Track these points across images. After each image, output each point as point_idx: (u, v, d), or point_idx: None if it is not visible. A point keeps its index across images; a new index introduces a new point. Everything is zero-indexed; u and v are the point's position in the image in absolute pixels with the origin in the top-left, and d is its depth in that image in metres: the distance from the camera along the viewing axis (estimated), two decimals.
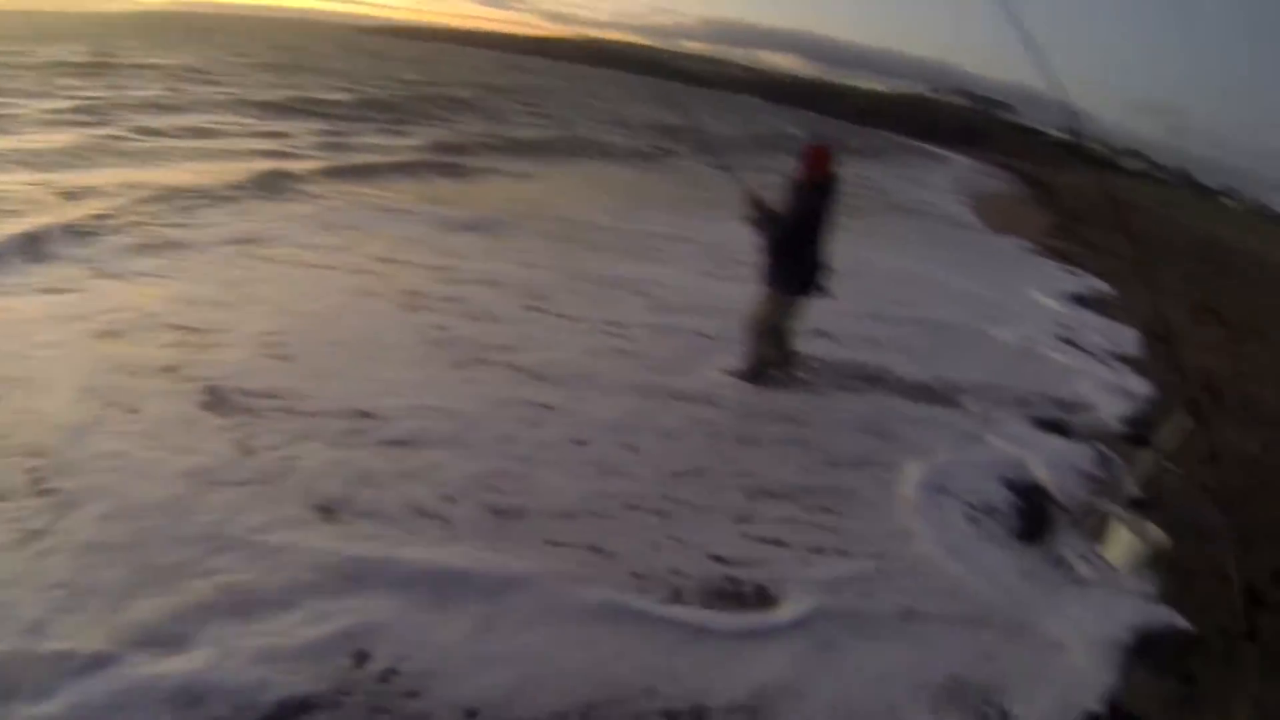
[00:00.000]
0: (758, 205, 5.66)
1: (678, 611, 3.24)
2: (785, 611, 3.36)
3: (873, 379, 6.54)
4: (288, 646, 2.70)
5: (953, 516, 4.48)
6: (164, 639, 2.64)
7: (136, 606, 2.75)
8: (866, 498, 4.51)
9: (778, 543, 3.89)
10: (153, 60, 25.56)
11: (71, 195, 8.03)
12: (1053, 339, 8.98)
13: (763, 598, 3.44)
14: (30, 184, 8.23)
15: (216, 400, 4.26)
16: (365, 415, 4.35)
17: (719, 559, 3.65)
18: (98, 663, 2.51)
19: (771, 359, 6.06)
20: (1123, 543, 3.91)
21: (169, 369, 4.53)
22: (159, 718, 2.39)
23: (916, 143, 72.00)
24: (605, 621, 3.10)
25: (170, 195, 8.52)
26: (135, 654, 2.56)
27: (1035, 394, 6.90)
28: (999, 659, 3.31)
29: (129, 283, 5.91)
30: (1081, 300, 11.75)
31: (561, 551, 3.48)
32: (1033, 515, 4.73)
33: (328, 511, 3.44)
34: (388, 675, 2.67)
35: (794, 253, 5.57)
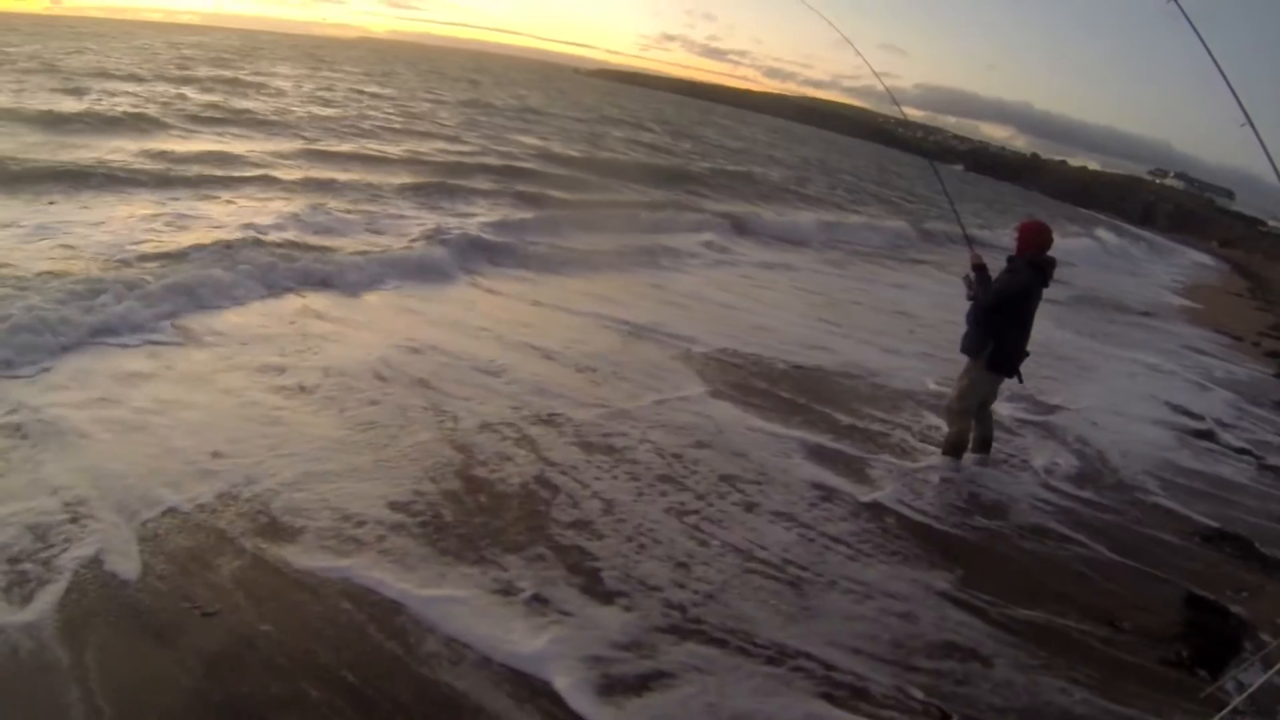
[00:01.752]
0: (978, 268, 5.81)
1: None
2: None
3: None
4: None
5: None
6: None
7: None
8: None
9: None
10: None
11: None
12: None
13: None
14: None
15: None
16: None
17: None
18: None
19: (967, 435, 6.15)
20: None
21: None
22: None
23: (1128, 226, 68.11)
24: None
25: None
26: None
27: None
28: None
29: None
30: None
31: None
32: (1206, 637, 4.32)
33: None
34: None
35: (999, 328, 5.65)
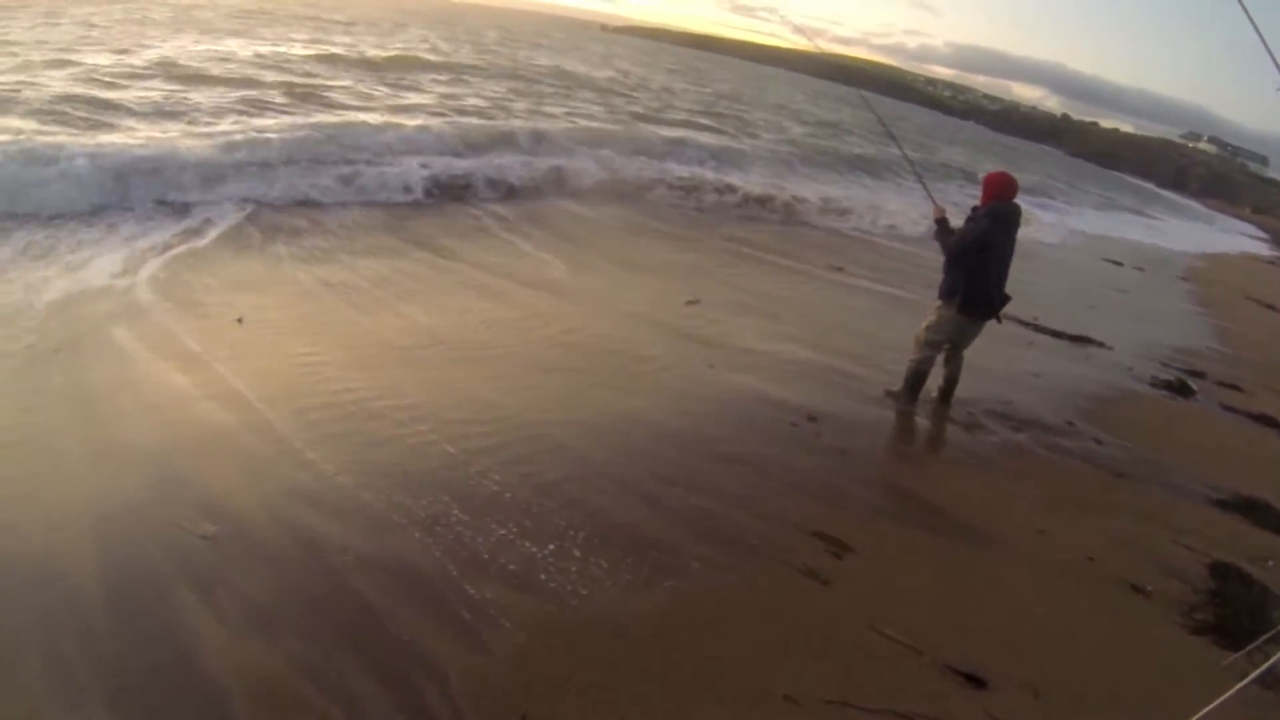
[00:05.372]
0: (940, 219, 6.11)
1: None
2: None
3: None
4: None
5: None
6: None
7: None
8: None
9: None
10: None
11: None
12: None
13: None
14: None
15: None
16: None
17: None
18: None
19: (927, 369, 6.34)
20: None
21: None
22: None
23: (1157, 190, 66.81)
24: None
25: None
26: None
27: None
28: None
29: None
30: None
31: None
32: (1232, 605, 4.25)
33: None
34: None
35: (967, 273, 5.87)
